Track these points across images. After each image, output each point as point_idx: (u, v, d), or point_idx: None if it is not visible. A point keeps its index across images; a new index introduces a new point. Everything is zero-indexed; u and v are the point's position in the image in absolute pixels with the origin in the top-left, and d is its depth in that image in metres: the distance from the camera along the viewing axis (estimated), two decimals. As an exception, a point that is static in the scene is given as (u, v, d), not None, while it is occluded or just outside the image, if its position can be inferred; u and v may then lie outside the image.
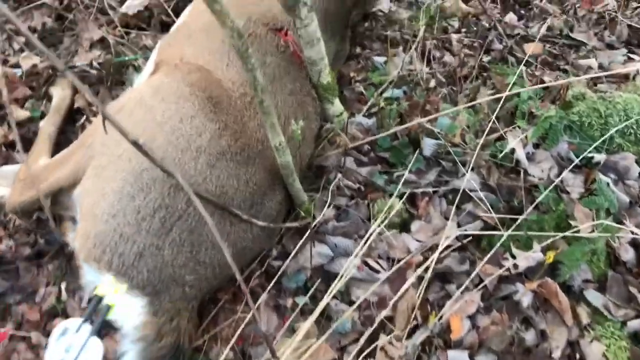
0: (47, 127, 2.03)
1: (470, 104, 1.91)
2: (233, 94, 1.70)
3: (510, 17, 2.74)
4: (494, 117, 1.93)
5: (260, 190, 1.65)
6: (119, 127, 1.09)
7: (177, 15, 2.25)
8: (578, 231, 1.65)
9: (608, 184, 1.79)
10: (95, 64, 2.21)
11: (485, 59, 2.50)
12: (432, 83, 2.31)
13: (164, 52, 1.89)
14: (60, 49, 2.30)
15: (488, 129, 1.92)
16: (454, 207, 1.80)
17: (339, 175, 1.94)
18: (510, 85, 2.03)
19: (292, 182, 1.70)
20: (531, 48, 2.55)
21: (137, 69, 2.24)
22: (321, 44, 1.82)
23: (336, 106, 2.07)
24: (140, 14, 2.43)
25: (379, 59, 2.44)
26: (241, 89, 1.72)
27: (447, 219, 1.87)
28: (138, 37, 2.40)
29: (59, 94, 2.16)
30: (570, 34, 2.59)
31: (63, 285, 1.73)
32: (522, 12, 2.80)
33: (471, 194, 1.90)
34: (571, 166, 1.82)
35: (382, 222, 1.71)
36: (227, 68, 1.75)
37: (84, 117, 2.12)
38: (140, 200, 1.44)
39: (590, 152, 1.82)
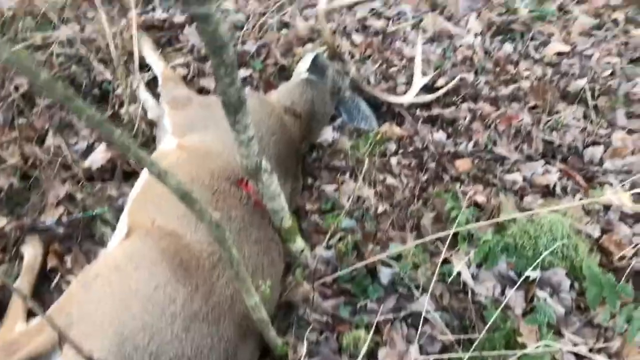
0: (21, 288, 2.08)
1: (418, 242, 2.14)
2: (201, 256, 1.85)
3: (440, 136, 3.06)
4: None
5: (232, 344, 1.78)
6: (74, 344, 1.22)
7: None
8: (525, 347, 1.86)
9: (545, 299, 2.03)
10: (64, 219, 2.30)
11: (423, 177, 2.78)
12: (380, 208, 2.55)
13: (135, 215, 2.03)
14: (26, 208, 2.39)
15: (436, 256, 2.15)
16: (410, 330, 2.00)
17: (307, 310, 2.10)
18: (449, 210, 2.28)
19: (267, 333, 1.84)
20: (462, 165, 2.86)
21: (105, 223, 2.36)
22: (282, 196, 2.02)
23: (298, 243, 2.25)
24: (103, 167, 2.57)
25: (330, 188, 2.67)
26: (209, 248, 1.87)
27: (409, 342, 2.04)
28: (102, 189, 2.52)
29: (30, 252, 2.22)
30: (494, 149, 2.92)
31: None
32: (450, 130, 3.12)
33: (427, 316, 2.09)
34: (516, 286, 2.05)
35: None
36: (195, 231, 1.90)
37: (59, 275, 2.19)
38: (121, 370, 1.54)
39: (527, 270, 2.07)
